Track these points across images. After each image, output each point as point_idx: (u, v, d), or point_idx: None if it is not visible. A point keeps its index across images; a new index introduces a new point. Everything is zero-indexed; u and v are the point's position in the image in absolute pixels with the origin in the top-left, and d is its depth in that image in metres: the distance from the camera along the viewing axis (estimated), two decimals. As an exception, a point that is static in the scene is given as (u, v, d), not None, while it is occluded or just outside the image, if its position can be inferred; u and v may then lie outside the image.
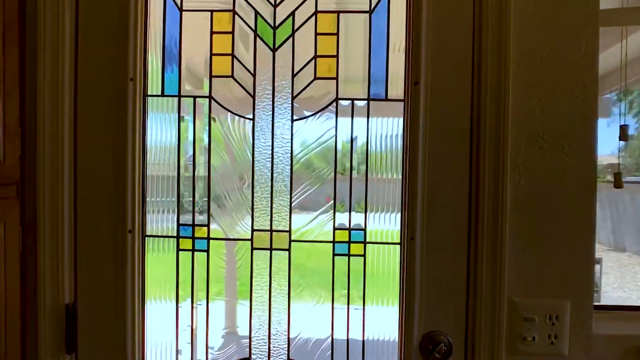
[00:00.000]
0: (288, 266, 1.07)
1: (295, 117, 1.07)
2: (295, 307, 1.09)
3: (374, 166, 1.06)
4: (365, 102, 1.05)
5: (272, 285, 1.08)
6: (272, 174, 1.08)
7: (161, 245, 1.10)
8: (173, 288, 1.10)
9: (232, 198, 1.10)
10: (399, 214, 1.05)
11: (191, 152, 1.10)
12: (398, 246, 1.05)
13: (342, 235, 1.07)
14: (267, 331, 1.09)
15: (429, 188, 1.02)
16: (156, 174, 1.09)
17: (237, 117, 1.08)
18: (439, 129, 1.02)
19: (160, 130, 1.09)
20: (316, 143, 1.08)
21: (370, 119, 1.05)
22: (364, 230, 1.07)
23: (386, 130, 1.06)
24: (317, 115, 1.07)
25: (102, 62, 1.05)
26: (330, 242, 1.07)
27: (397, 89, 1.05)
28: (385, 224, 1.07)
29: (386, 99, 1.05)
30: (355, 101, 1.06)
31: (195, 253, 1.09)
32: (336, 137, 1.06)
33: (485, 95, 1.00)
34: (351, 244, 1.06)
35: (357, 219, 1.07)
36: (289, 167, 1.07)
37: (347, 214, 1.07)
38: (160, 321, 1.11)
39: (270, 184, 1.08)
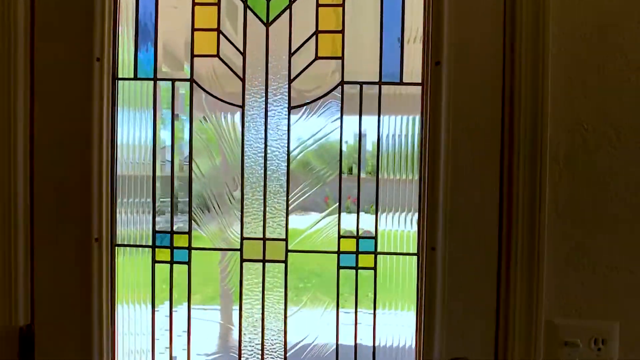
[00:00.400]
0: (284, 281, 0.92)
1: (292, 105, 0.91)
2: (295, 321, 0.94)
3: (386, 164, 0.91)
4: (377, 85, 0.90)
5: (265, 304, 0.93)
6: (265, 171, 0.92)
7: (134, 255, 0.94)
8: (149, 306, 0.94)
9: (217, 200, 0.94)
10: (417, 220, 0.90)
11: (169, 146, 0.94)
12: (415, 257, 0.90)
13: (349, 245, 0.92)
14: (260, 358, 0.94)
15: (453, 189, 0.87)
16: (128, 173, 0.94)
17: (223, 104, 0.93)
18: (465, 119, 0.86)
19: (132, 120, 0.94)
20: (317, 136, 0.93)
21: (382, 106, 0.90)
22: (375, 238, 0.91)
23: (401, 121, 0.91)
24: (319, 102, 0.92)
25: (63, 38, 0.89)
26: (335, 252, 0.92)
27: (414, 70, 0.90)
28: (400, 232, 0.92)
29: (401, 83, 0.90)
30: (364, 85, 0.90)
31: (175, 265, 0.93)
32: (341, 129, 0.91)
33: (519, 78, 0.85)
34: (359, 255, 0.91)
35: (366, 225, 0.92)
36: (286, 164, 0.92)
37: (354, 218, 0.92)
38: (134, 342, 0.96)
39: (263, 183, 0.92)
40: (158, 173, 0.94)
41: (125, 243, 0.93)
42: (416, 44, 0.91)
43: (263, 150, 0.92)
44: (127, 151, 0.94)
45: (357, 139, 0.91)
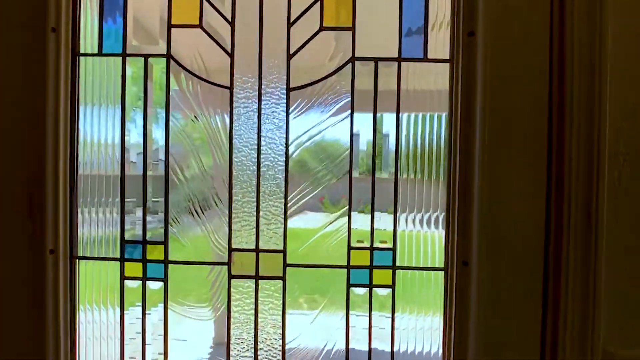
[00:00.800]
0: (282, 303, 0.77)
1: (291, 86, 0.76)
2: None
3: (405, 161, 0.76)
4: (395, 63, 0.75)
5: (259, 331, 0.77)
6: (258, 168, 0.78)
7: (98, 270, 0.79)
8: (117, 330, 0.79)
9: (200, 202, 0.79)
10: (444, 229, 0.75)
11: (141, 139, 0.78)
12: (442, 273, 0.75)
13: (361, 257, 0.76)
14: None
15: (490, 192, 0.72)
16: (92, 172, 0.79)
17: (207, 85, 0.77)
18: (504, 104, 0.72)
19: (97, 105, 0.78)
20: (322, 125, 0.77)
21: (401, 88, 0.75)
22: (393, 250, 0.76)
23: (423, 111, 0.76)
24: (324, 83, 0.76)
25: (8, 2, 0.74)
26: (344, 267, 0.76)
27: (442, 43, 0.75)
28: (424, 242, 0.76)
29: (425, 59, 0.75)
30: (379, 62, 0.75)
31: (148, 283, 0.78)
32: (352, 117, 0.76)
33: (570, 52, 0.71)
34: (374, 270, 0.76)
35: (383, 233, 0.77)
36: (284, 159, 0.77)
37: (367, 224, 0.77)
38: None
39: (255, 182, 0.78)
40: (128, 172, 0.79)
41: (88, 255, 0.78)
42: (445, 16, 0.76)
43: (256, 142, 0.78)
44: (90, 145, 0.79)
45: (372, 129, 0.76)
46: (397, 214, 0.77)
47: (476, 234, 0.73)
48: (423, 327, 0.78)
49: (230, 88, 0.78)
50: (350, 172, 0.77)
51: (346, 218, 0.77)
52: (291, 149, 0.77)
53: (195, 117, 0.79)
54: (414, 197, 0.77)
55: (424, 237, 0.77)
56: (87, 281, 0.79)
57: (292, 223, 0.79)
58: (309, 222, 0.81)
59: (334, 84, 0.78)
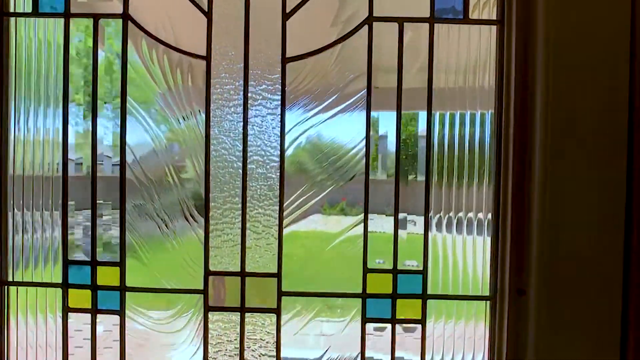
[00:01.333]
0: (276, 343, 0.59)
1: (288, 56, 0.59)
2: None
3: (436, 159, 0.59)
4: (427, 24, 0.58)
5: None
6: (244, 164, 0.61)
7: (33, 299, 0.61)
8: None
9: (167, 210, 0.62)
10: (490, 248, 0.59)
11: (88, 127, 0.61)
12: (488, 303, 0.58)
13: (381, 283, 0.59)
14: None
15: (553, 200, 0.56)
16: (24, 173, 0.62)
17: (176, 55, 0.61)
18: (572, 81, 0.55)
19: (34, 82, 0.61)
20: (326, 106, 0.60)
21: (435, 58, 0.58)
22: (424, 273, 0.59)
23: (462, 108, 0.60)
24: (332, 51, 0.59)
25: None
26: (359, 295, 0.59)
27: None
28: (463, 262, 0.60)
29: (466, 20, 0.58)
30: (405, 23, 0.58)
31: (99, 316, 0.60)
32: (369, 97, 0.59)
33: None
34: (398, 300, 0.59)
35: (408, 251, 0.60)
36: (278, 154, 0.60)
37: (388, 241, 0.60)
38: None
39: (241, 184, 0.60)
40: (72, 172, 0.61)
41: (20, 280, 0.61)
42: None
43: (241, 131, 0.60)
44: (24, 137, 0.62)
45: (399, 108, 0.59)
46: (429, 226, 0.60)
47: (535, 254, 0.58)
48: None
49: (207, 58, 0.62)
50: (367, 171, 0.61)
51: (357, 227, 0.61)
52: (287, 140, 0.61)
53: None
54: (450, 203, 0.61)
55: (463, 256, 0.61)
56: (19, 313, 0.62)
57: (296, 241, 0.63)
58: (309, 228, 0.65)
59: (343, 52, 0.61)
